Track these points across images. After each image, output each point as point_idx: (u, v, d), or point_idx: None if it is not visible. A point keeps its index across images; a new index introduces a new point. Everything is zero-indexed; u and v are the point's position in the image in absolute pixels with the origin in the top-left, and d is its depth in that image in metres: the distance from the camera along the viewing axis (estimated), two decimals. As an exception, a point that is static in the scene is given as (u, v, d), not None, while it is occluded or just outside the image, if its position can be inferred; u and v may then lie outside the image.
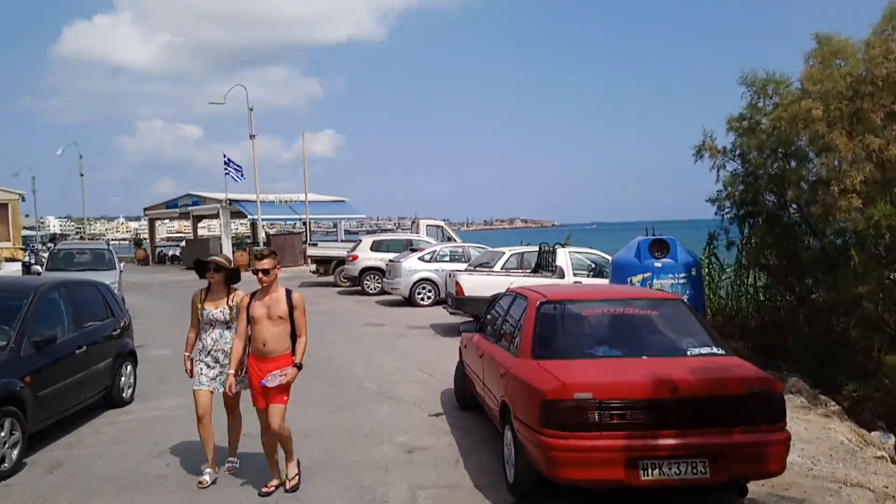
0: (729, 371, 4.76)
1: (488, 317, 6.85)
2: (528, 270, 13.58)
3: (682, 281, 9.07)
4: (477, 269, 14.21)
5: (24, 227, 60.50)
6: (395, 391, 8.21)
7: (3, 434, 5.32)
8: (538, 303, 5.49)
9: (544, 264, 13.24)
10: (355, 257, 19.79)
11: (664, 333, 5.45)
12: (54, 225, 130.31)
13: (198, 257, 5.51)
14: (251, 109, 29.94)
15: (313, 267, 23.01)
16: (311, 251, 23.32)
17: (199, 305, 5.28)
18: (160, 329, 13.78)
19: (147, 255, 40.70)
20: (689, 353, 5.07)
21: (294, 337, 4.95)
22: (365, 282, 19.57)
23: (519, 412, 4.84)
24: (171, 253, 41.40)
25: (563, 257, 13.14)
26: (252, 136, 30.11)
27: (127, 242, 61.79)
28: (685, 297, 8.75)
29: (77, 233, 54.03)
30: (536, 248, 13.78)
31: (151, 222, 43.74)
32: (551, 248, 13.22)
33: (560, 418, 4.37)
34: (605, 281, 11.34)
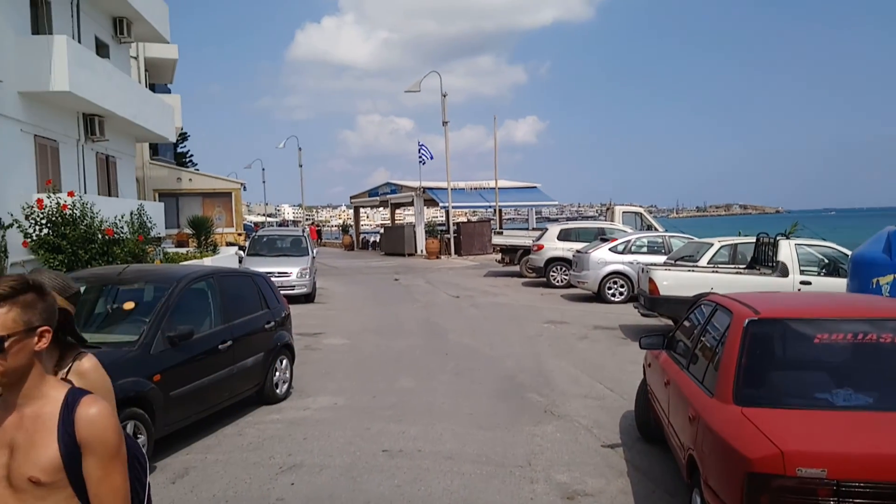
0: None
1: (685, 325, 5.37)
2: (742, 267, 11.50)
3: (952, 284, 6.83)
4: (677, 263, 12.37)
5: (262, 214, 68.01)
6: (565, 408, 6.98)
7: (127, 437, 4.99)
8: (746, 321, 3.95)
9: (762, 259, 11.09)
10: (541, 247, 18.61)
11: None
12: (288, 212, 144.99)
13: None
14: (444, 96, 30.03)
15: (499, 256, 22.26)
16: (496, 239, 22.55)
17: None
18: (342, 316, 13.87)
19: (352, 241, 43.05)
20: None
21: None
22: (551, 273, 18.33)
23: (712, 479, 3.42)
24: (372, 239, 43.38)
25: (787, 251, 10.84)
26: (445, 123, 30.20)
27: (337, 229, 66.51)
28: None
29: (307, 219, 59.92)
30: (753, 240, 11.62)
31: (356, 210, 46.22)
32: (772, 240, 11.00)
33: (774, 502, 2.92)
34: (843, 282, 9.03)
